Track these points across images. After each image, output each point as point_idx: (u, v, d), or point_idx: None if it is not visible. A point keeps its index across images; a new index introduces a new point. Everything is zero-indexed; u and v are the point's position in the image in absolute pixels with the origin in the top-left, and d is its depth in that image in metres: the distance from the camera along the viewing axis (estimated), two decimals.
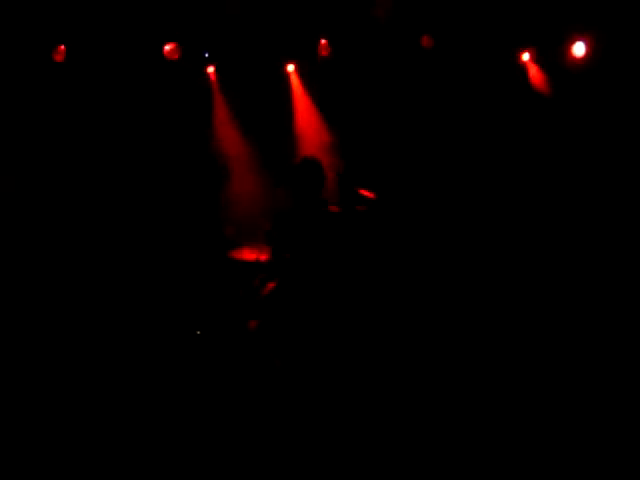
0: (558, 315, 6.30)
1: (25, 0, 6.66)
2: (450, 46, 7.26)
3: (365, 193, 5.82)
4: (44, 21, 6.75)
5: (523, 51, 7.45)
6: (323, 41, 7.22)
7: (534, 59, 7.45)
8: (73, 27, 6.84)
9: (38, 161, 6.99)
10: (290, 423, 5.03)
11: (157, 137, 7.35)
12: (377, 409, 5.16)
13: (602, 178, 6.99)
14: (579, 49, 7.20)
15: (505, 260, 6.83)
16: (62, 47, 6.85)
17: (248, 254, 6.64)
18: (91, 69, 7.09)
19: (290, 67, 7.77)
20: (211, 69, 7.70)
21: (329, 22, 7.13)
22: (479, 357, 5.89)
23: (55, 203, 6.99)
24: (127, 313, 6.62)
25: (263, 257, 6.19)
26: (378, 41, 7.28)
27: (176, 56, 6.85)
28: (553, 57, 7.34)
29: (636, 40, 6.92)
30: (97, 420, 5.33)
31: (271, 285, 5.99)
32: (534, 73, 7.44)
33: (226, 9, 7.10)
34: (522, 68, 7.45)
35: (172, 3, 6.96)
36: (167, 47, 6.88)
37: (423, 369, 5.74)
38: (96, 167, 7.14)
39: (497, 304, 6.47)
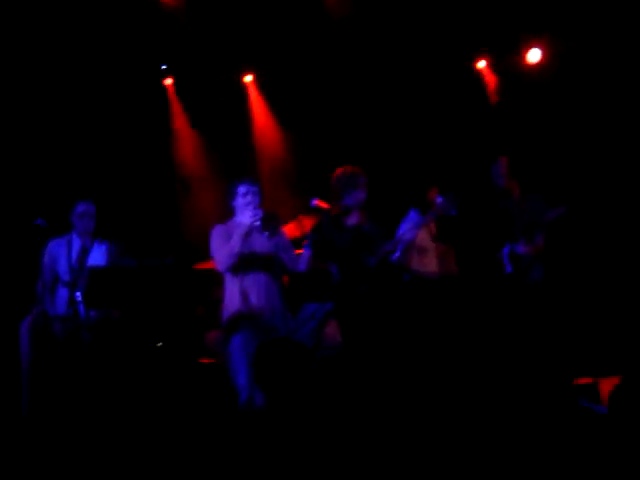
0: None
1: None
2: (408, 52, 7.30)
3: (321, 204, 5.77)
4: None
5: (479, 58, 7.54)
6: None
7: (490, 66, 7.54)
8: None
9: None
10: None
11: (116, 150, 7.34)
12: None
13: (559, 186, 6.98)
14: (534, 55, 7.32)
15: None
16: None
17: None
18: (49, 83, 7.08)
19: (248, 78, 7.80)
20: (169, 81, 7.73)
21: (286, 31, 7.14)
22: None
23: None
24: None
25: None
26: (334, 47, 7.31)
27: None
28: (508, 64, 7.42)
29: (590, 46, 6.99)
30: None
31: None
32: (489, 79, 7.52)
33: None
34: (478, 75, 7.53)
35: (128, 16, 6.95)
36: None
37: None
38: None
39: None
